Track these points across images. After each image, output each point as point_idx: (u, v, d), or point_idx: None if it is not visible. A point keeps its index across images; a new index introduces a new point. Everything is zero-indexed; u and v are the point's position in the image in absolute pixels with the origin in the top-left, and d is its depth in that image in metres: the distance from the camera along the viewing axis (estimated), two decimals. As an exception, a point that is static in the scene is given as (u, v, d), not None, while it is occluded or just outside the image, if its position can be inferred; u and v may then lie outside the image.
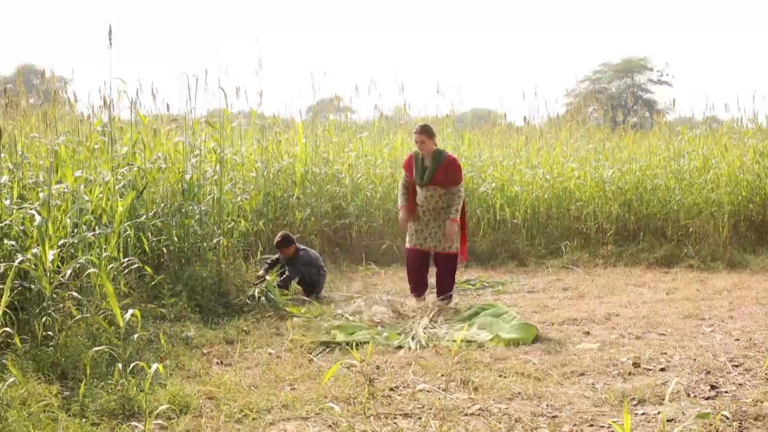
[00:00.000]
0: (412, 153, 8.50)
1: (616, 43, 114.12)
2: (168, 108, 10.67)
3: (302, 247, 9.15)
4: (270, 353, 6.43)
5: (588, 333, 7.14)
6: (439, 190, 8.21)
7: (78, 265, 6.11)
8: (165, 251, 8.02)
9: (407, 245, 8.48)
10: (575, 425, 4.71)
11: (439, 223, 8.27)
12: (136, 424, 4.55)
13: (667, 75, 45.63)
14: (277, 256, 9.14)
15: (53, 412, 4.58)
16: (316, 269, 8.96)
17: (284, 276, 8.72)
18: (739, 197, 12.28)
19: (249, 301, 7.91)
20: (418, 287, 8.40)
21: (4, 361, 5.02)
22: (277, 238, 9.12)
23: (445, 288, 8.29)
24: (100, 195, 7.05)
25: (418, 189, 8.36)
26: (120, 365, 5.15)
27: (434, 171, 8.18)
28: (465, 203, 8.44)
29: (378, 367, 5.99)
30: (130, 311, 5.62)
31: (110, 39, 7.24)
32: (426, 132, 8.22)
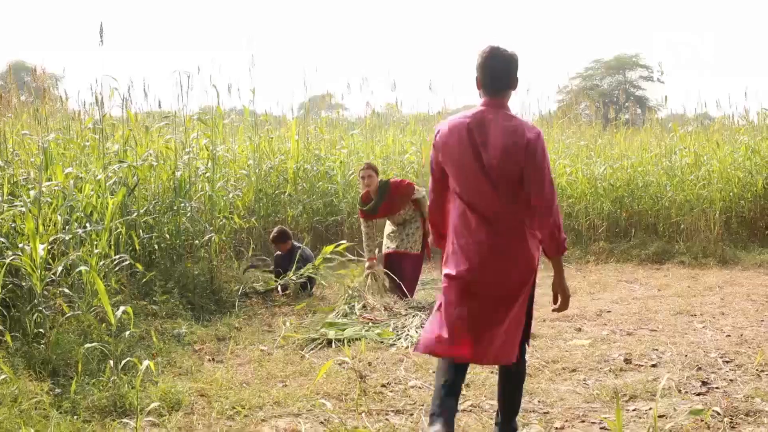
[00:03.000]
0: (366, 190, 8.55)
1: (608, 39, 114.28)
2: (160, 105, 10.68)
3: (298, 244, 9.14)
4: (262, 350, 6.43)
5: (580, 329, 7.15)
6: (397, 213, 8.47)
7: (69, 262, 6.10)
8: (156, 248, 8.00)
9: (383, 251, 8.57)
10: (567, 421, 4.72)
11: (406, 228, 8.49)
12: (128, 421, 4.54)
13: (659, 72, 45.65)
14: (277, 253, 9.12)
15: (44, 410, 4.57)
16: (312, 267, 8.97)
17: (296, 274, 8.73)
18: (731, 194, 12.31)
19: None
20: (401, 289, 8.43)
21: (-6, 358, 5.01)
22: (274, 233, 9.14)
23: (407, 288, 8.31)
24: (91, 192, 7.03)
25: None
26: (111, 362, 5.14)
27: (378, 205, 8.39)
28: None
29: (370, 364, 5.99)
30: (122, 308, 5.61)
31: (101, 37, 7.24)
32: (373, 169, 8.46)
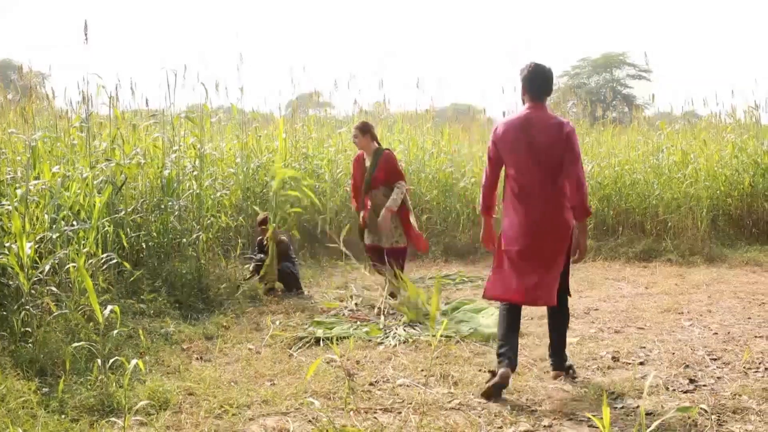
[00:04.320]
0: (360, 153, 8.70)
1: (595, 37, 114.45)
2: (147, 103, 10.63)
3: (284, 238, 9.06)
4: (250, 349, 6.42)
5: (568, 327, 7.15)
6: (381, 189, 8.39)
7: (56, 261, 6.07)
8: (144, 247, 7.98)
9: (366, 242, 8.57)
10: (555, 419, 4.73)
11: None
12: (116, 420, 4.52)
13: (646, 70, 45.77)
14: (260, 256, 9.07)
15: (32, 409, 4.55)
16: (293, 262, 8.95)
17: (284, 269, 8.70)
18: (718, 192, 12.35)
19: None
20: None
21: (-19, 357, 4.99)
22: (261, 216, 9.10)
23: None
24: (79, 191, 7.00)
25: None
26: (99, 361, 5.13)
27: (373, 170, 8.41)
28: (407, 197, 8.58)
29: (358, 362, 5.98)
30: (110, 307, 5.58)
31: (86, 35, 7.21)
32: (358, 128, 8.54)
